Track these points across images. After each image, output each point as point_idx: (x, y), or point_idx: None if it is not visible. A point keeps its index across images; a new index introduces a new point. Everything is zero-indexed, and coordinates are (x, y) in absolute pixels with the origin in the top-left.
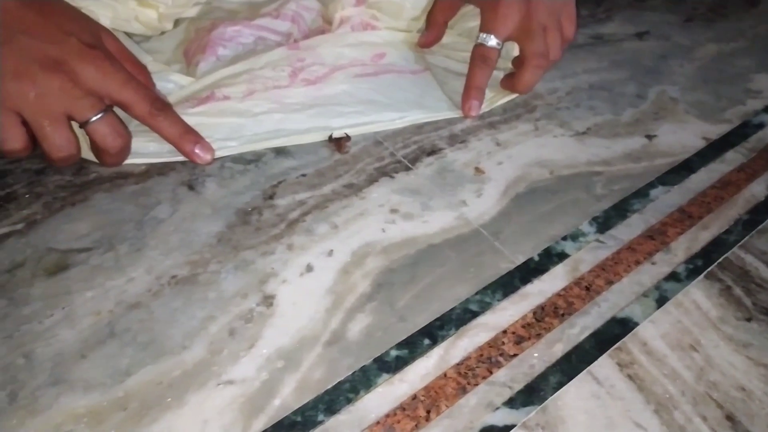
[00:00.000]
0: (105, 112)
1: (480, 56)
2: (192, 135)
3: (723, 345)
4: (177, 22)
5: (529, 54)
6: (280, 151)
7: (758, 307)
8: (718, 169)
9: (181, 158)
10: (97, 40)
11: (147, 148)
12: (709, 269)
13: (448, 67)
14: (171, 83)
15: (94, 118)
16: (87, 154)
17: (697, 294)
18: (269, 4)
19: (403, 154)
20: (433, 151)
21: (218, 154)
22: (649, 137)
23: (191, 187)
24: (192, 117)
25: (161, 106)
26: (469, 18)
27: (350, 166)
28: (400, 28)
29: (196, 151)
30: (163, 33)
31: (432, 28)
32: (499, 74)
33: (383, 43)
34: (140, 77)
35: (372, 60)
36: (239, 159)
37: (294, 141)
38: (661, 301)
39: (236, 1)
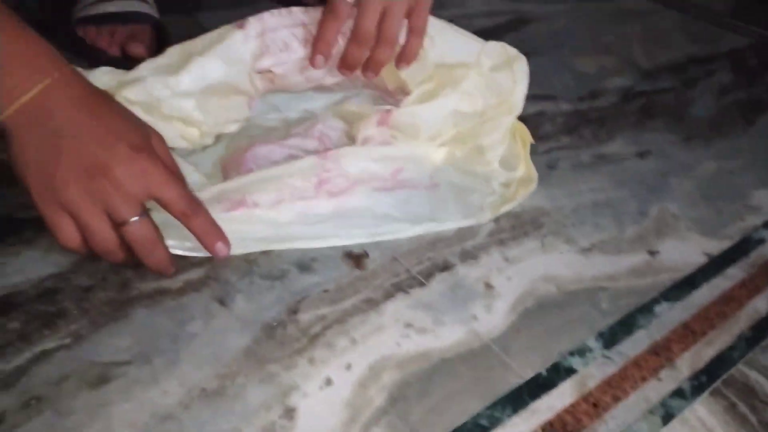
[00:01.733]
0: (142, 216)
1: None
2: (217, 234)
3: None
4: (218, 137)
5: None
6: (304, 268)
7: (763, 425)
8: (720, 284)
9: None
10: (146, 140)
11: (183, 245)
12: (713, 386)
13: (458, 183)
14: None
15: (132, 220)
16: None
17: (702, 411)
18: (301, 123)
19: (417, 270)
20: (445, 267)
21: (245, 250)
22: (652, 253)
23: (222, 303)
24: (224, 223)
25: (196, 206)
26: (482, 135)
27: (368, 281)
28: (418, 146)
29: (217, 246)
30: (205, 148)
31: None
32: (502, 189)
33: (402, 157)
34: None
35: (391, 175)
36: (267, 275)
37: (312, 245)
38: (666, 418)
39: (272, 118)
